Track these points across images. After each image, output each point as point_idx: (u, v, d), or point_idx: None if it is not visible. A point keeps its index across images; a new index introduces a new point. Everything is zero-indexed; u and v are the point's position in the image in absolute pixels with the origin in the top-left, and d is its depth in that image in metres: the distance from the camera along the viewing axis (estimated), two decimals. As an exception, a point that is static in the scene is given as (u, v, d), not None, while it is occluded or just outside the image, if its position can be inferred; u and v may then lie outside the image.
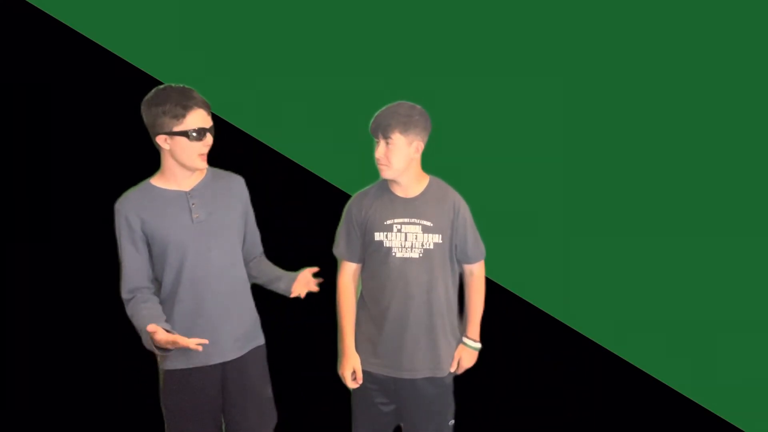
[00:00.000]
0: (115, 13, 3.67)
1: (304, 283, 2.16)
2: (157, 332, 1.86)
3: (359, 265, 2.33)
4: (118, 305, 2.07)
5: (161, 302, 2.07)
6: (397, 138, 2.17)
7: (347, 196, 2.39)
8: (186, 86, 2.03)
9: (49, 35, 3.67)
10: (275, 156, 3.56)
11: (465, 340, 2.36)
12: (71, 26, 3.70)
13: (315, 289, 2.18)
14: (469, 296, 2.38)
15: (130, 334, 2.09)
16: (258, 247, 2.28)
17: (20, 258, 3.49)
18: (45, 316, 3.41)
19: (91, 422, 3.04)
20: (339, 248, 2.33)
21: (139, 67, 3.68)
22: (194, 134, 1.98)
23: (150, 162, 2.18)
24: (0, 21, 3.62)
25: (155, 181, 2.09)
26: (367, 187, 2.35)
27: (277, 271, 2.23)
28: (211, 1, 3.58)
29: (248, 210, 2.23)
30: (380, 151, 2.19)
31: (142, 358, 2.23)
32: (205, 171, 2.14)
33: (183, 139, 1.98)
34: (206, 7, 3.58)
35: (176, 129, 1.98)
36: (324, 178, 3.54)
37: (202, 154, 2.02)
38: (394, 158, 2.19)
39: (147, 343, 1.94)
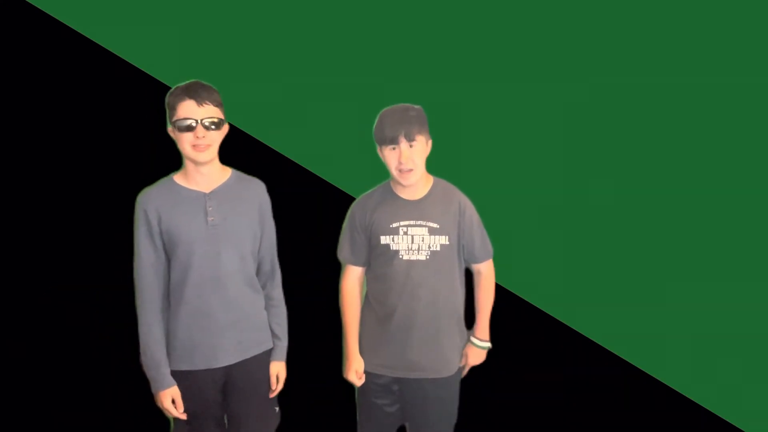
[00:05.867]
0: (115, 13, 3.67)
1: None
2: (164, 403, 2.09)
3: (363, 269, 2.32)
4: (123, 305, 2.07)
5: (169, 298, 2.09)
6: (420, 138, 2.17)
7: (349, 198, 2.39)
8: (199, 81, 2.05)
9: (49, 35, 3.67)
10: (277, 157, 3.56)
11: (473, 339, 2.36)
12: (71, 26, 3.70)
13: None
14: (477, 296, 2.37)
15: (136, 334, 2.10)
16: (266, 263, 2.23)
17: (19, 258, 3.49)
18: (47, 316, 3.41)
19: (98, 423, 3.04)
20: (343, 253, 2.31)
21: (139, 67, 3.67)
22: (180, 124, 2.01)
23: (148, 162, 2.18)
24: (0, 21, 3.62)
25: (178, 178, 2.11)
26: (370, 191, 2.33)
27: (273, 331, 2.24)
28: (212, 2, 3.58)
29: (266, 218, 2.21)
30: (406, 154, 2.15)
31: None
32: (229, 173, 2.15)
33: (176, 130, 2.03)
34: (208, 7, 3.58)
35: (172, 119, 2.03)
36: (327, 180, 3.54)
37: (195, 146, 2.01)
38: (419, 159, 2.18)
39: (145, 365, 2.09)
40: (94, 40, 3.69)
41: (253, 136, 3.60)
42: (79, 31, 3.69)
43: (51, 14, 3.70)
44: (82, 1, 3.71)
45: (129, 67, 3.68)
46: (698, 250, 3.07)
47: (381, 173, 2.31)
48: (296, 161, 3.56)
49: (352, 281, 2.31)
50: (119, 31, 3.68)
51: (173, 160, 2.19)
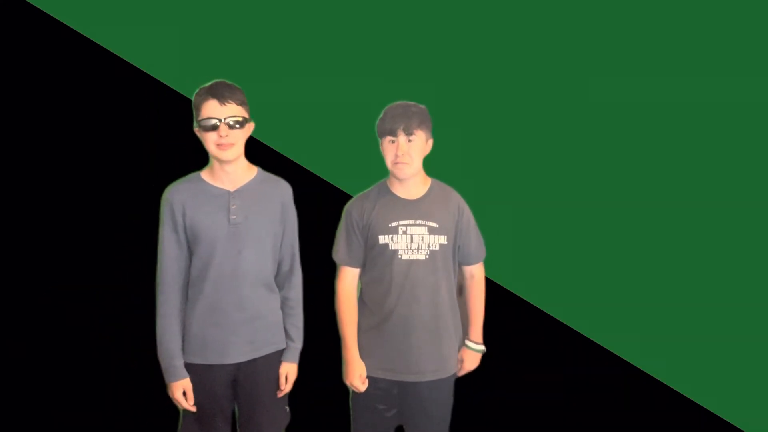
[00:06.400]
0: (115, 13, 3.67)
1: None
2: (175, 394, 2.12)
3: (359, 270, 2.31)
4: (123, 305, 2.09)
5: (188, 290, 2.13)
6: (419, 134, 2.17)
7: (347, 196, 2.38)
8: (223, 81, 2.10)
9: (49, 35, 3.67)
10: (276, 157, 3.56)
11: (468, 343, 2.35)
12: (71, 26, 3.70)
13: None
14: (470, 299, 2.36)
15: (149, 327, 2.13)
16: (286, 263, 2.24)
17: (20, 258, 3.49)
18: (55, 313, 3.41)
19: (110, 414, 3.05)
20: (339, 254, 2.29)
21: (139, 67, 3.68)
22: (204, 124, 2.05)
23: (148, 161, 2.18)
24: (0, 21, 3.62)
25: (204, 174, 2.14)
26: (366, 190, 2.32)
27: (288, 332, 2.25)
28: (212, 2, 3.58)
29: (288, 218, 2.22)
30: (403, 147, 2.16)
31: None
32: (255, 172, 2.18)
33: (201, 130, 2.08)
34: (207, 7, 3.58)
35: (197, 119, 2.08)
36: (326, 179, 3.54)
37: (219, 145, 2.05)
38: (416, 155, 2.18)
39: (160, 356, 2.12)
40: (94, 40, 3.69)
41: (253, 135, 3.60)
42: (79, 31, 3.69)
43: (51, 14, 3.70)
44: (82, 1, 3.71)
45: (129, 67, 3.68)
46: (698, 249, 3.07)
47: (379, 173, 2.31)
48: (295, 161, 3.56)
49: (349, 283, 2.29)
50: (119, 31, 3.68)
51: (172, 160, 2.20)
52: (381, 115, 2.23)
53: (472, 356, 2.35)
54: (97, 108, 3.63)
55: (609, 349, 3.27)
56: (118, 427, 3.02)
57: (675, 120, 3.06)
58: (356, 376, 2.25)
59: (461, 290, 2.38)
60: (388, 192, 2.27)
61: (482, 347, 2.37)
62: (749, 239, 2.99)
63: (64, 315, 3.44)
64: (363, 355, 2.28)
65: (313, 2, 3.46)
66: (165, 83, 3.58)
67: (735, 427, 3.01)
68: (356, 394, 2.30)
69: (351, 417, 2.36)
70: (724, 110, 2.99)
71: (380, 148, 2.24)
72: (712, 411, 3.06)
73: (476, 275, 2.35)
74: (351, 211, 2.29)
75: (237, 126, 2.06)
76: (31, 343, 3.37)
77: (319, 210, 2.95)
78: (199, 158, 2.18)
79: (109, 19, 3.68)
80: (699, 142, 3.03)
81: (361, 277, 2.31)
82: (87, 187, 3.54)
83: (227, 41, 3.57)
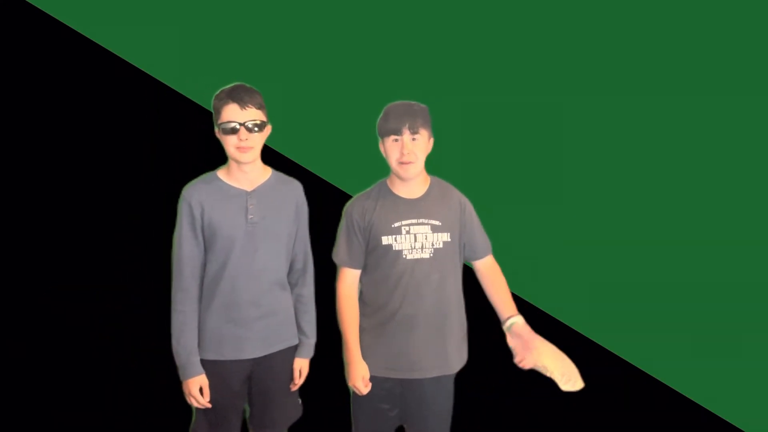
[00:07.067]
0: (115, 13, 3.68)
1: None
2: (192, 390, 2.11)
3: (360, 271, 2.30)
4: (136, 302, 2.09)
5: (204, 287, 2.16)
6: (423, 132, 2.18)
7: (346, 196, 2.38)
8: (242, 84, 2.13)
9: (49, 35, 3.68)
10: (273, 155, 3.56)
11: (514, 319, 2.30)
12: (71, 26, 3.70)
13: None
14: (495, 285, 2.33)
15: (164, 323, 2.14)
16: (299, 261, 2.28)
17: (17, 258, 3.49)
18: (65, 309, 3.42)
19: (124, 408, 3.07)
20: (339, 255, 2.28)
21: (139, 67, 3.68)
22: (224, 127, 2.08)
23: (147, 160, 2.18)
24: (0, 21, 3.63)
25: (221, 174, 2.18)
26: (366, 190, 2.31)
27: (302, 328, 2.28)
28: (211, 3, 3.59)
29: (301, 217, 2.27)
30: (408, 146, 2.16)
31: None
32: (269, 172, 2.22)
33: (221, 132, 2.11)
34: (207, 7, 3.59)
35: (218, 122, 2.11)
36: (325, 179, 3.54)
37: (239, 148, 2.08)
38: (421, 153, 2.19)
39: (175, 351, 2.13)
40: (94, 40, 3.70)
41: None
42: (79, 31, 3.70)
43: (51, 14, 3.71)
44: (82, 1, 3.71)
45: (129, 67, 3.69)
46: (698, 249, 3.07)
47: (379, 173, 2.31)
48: (295, 161, 3.56)
49: (350, 284, 2.29)
50: (119, 31, 3.69)
51: (172, 159, 2.19)
52: (382, 115, 2.22)
53: (522, 328, 2.31)
54: (97, 108, 3.64)
55: (609, 349, 3.27)
56: (121, 427, 3.03)
57: (673, 119, 3.06)
58: (359, 377, 2.24)
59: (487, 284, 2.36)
60: (389, 192, 2.26)
61: (520, 317, 2.33)
62: (748, 239, 2.99)
63: (64, 315, 3.45)
64: (366, 354, 2.27)
65: (312, 3, 3.47)
66: (165, 83, 3.59)
67: (735, 427, 3.01)
68: (359, 394, 2.30)
69: (352, 417, 2.35)
70: (721, 113, 2.99)
71: (380, 147, 2.23)
72: (712, 411, 3.06)
73: (491, 263, 2.34)
74: (351, 211, 2.28)
75: (256, 129, 2.09)
76: (31, 343, 3.37)
77: (319, 210, 2.96)
78: (199, 157, 2.18)
79: (109, 19, 3.69)
80: (698, 141, 3.04)
81: (361, 277, 2.30)
82: (87, 186, 3.55)
83: (226, 42, 3.58)
